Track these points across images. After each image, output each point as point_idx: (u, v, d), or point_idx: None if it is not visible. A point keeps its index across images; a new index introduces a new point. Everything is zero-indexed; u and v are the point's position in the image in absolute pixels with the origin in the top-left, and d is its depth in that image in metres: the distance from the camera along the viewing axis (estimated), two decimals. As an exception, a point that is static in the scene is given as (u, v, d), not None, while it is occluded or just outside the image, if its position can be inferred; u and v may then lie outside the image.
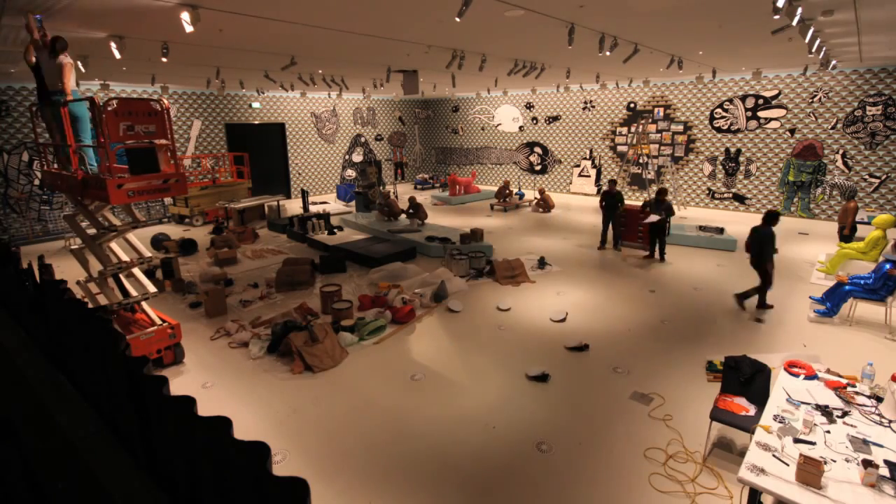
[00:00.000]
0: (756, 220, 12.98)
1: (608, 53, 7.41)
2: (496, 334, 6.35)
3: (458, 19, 5.11)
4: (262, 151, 16.98)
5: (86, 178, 4.90)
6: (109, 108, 4.45)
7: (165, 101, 4.88)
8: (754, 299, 6.97)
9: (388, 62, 9.74)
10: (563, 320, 6.65)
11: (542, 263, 9.16)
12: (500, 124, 19.63)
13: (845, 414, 3.27)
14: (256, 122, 16.49)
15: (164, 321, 5.68)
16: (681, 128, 14.94)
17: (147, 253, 5.68)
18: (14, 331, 2.35)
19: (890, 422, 3.17)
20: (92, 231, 5.50)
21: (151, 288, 5.77)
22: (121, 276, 5.67)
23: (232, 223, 12.76)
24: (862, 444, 2.96)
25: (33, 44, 4.90)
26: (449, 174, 19.97)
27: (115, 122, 4.51)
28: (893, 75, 11.50)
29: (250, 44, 7.38)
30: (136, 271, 5.73)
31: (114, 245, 5.69)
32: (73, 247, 7.15)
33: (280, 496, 0.95)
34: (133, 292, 5.75)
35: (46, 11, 5.08)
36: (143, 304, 5.76)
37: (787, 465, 2.79)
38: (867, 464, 2.68)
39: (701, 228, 10.70)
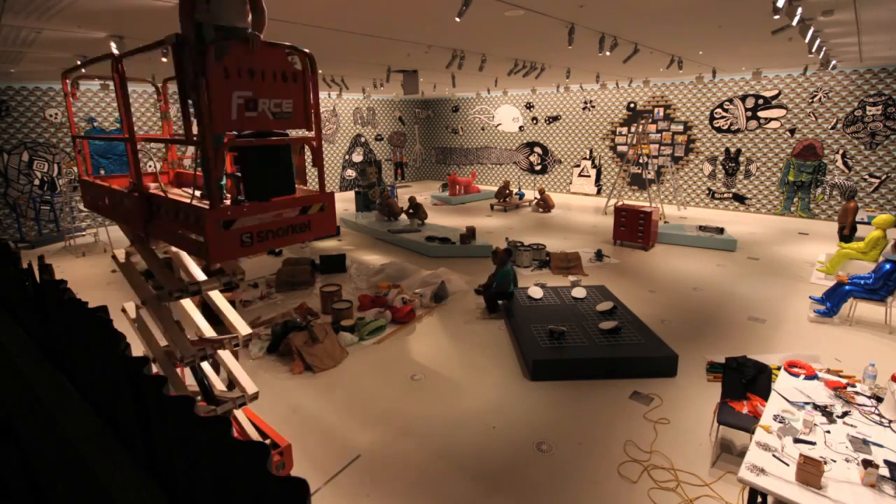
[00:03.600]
0: (757, 219, 13.04)
1: (608, 53, 7.41)
2: (496, 334, 6.35)
3: (458, 19, 5.11)
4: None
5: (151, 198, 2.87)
6: (215, 60, 2.16)
7: (308, 51, 2.54)
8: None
9: (388, 62, 9.74)
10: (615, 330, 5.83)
11: (599, 256, 9.56)
12: (500, 124, 19.63)
13: (846, 414, 3.27)
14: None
15: (265, 437, 3.72)
16: (681, 128, 14.94)
17: (246, 328, 3.42)
18: (14, 331, 2.35)
19: (890, 422, 3.17)
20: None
21: (252, 387, 3.39)
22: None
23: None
24: (862, 444, 2.96)
25: None
26: (449, 174, 19.97)
27: (227, 91, 2.20)
28: (893, 75, 11.50)
29: (250, 44, 7.37)
30: (227, 356, 3.48)
31: (188, 306, 3.56)
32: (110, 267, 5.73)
33: (280, 496, 0.95)
34: (218, 386, 3.53)
35: (47, 12, 5.08)
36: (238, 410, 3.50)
37: (787, 465, 2.79)
38: (867, 464, 2.68)
39: (701, 228, 10.70)
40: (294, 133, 2.70)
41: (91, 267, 9.54)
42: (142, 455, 1.48)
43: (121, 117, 2.96)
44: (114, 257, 3.55)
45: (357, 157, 19.70)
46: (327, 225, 2.85)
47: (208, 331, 3.45)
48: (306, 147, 2.81)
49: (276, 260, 9.77)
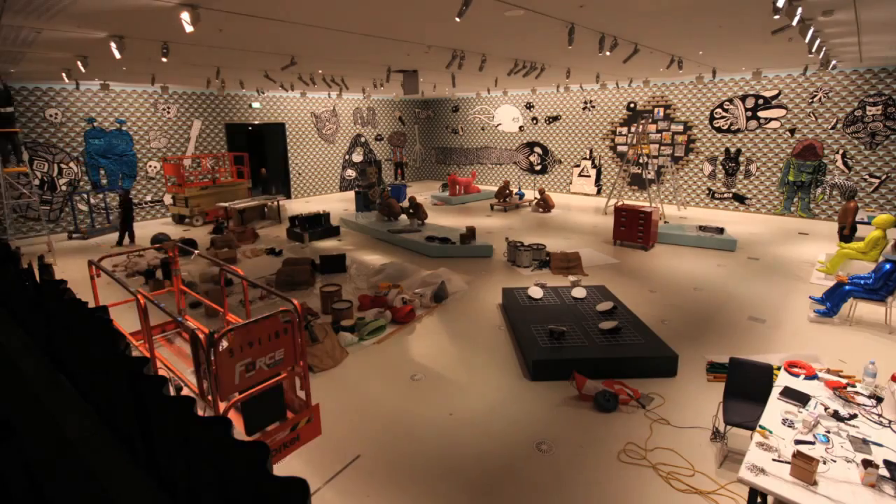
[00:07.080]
0: (757, 219, 13.04)
1: (608, 53, 7.41)
2: (496, 334, 6.35)
3: (458, 19, 5.11)
4: (261, 151, 16.96)
5: None
6: (224, 345, 2.72)
7: (297, 303, 3.31)
8: None
9: (388, 62, 9.74)
10: (615, 330, 5.83)
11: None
12: (500, 124, 19.63)
13: (852, 416, 3.27)
14: (256, 122, 16.49)
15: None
16: (681, 128, 14.94)
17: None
18: (14, 331, 2.35)
19: (890, 422, 3.17)
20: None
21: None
22: None
23: (232, 223, 12.76)
24: (862, 444, 2.96)
25: None
26: (449, 174, 19.98)
27: (231, 366, 2.81)
28: (893, 75, 11.50)
29: (250, 44, 7.38)
30: None
31: None
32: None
33: (280, 496, 0.95)
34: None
35: (46, 12, 5.08)
36: None
37: (788, 465, 2.79)
38: (867, 464, 2.68)
39: (701, 228, 10.71)
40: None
41: (91, 267, 9.54)
42: (142, 455, 1.48)
43: None
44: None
45: (357, 157, 19.70)
46: (313, 431, 3.56)
47: None
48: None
49: (276, 260, 9.77)
